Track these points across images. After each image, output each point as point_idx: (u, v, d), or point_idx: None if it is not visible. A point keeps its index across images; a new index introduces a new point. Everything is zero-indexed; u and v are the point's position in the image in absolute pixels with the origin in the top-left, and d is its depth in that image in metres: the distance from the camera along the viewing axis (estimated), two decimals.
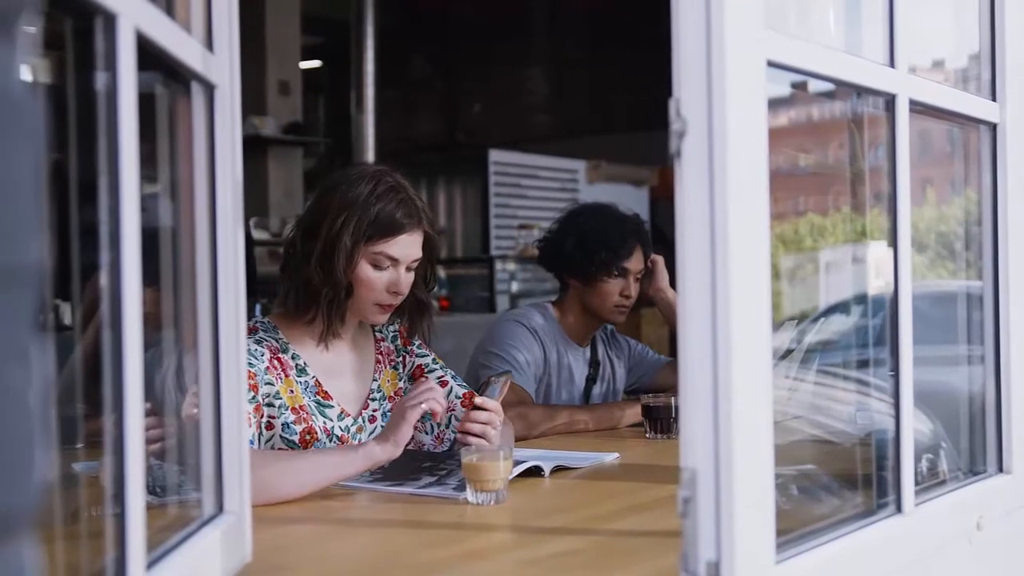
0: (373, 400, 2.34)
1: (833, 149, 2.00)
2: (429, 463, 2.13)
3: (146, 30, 1.07)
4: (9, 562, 0.59)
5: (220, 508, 1.38)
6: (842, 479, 1.69)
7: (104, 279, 1.02)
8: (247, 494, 1.42)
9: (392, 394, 2.37)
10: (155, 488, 1.34)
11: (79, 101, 1.05)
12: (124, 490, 1.01)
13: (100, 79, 1.02)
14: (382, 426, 2.29)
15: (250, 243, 4.69)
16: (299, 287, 2.21)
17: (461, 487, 1.90)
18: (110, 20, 0.99)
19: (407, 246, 2.21)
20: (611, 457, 2.35)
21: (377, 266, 2.20)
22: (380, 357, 2.38)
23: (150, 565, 1.09)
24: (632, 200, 6.77)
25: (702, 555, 1.17)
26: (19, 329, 0.59)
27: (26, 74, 0.62)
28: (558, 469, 2.17)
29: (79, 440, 1.30)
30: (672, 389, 2.89)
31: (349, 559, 1.60)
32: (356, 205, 2.17)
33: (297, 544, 1.67)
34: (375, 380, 2.35)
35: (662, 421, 2.64)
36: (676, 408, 2.64)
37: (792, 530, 1.32)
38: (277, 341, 2.22)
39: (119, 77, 1.01)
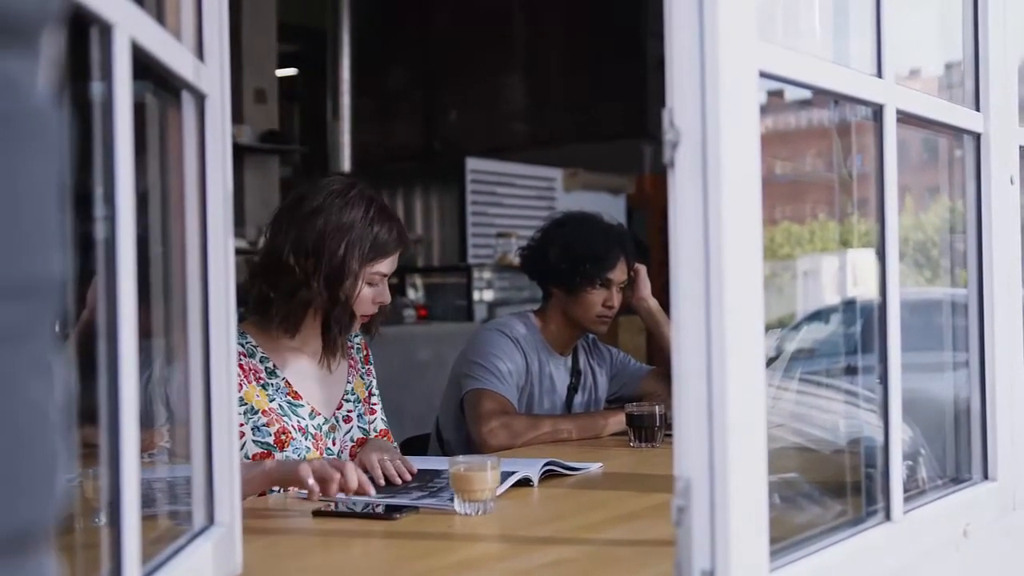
0: (348, 401, 2.40)
1: (810, 157, 2.01)
2: (418, 482, 2.12)
3: (141, 40, 1.06)
4: (34, 574, 0.59)
5: (211, 520, 1.37)
6: (829, 487, 1.70)
7: (99, 289, 1.01)
8: (238, 506, 1.41)
9: (363, 399, 2.45)
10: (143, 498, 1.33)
11: (72, 110, 1.04)
12: (120, 502, 1.00)
13: (95, 88, 1.01)
14: (358, 427, 2.39)
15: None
16: (296, 307, 2.25)
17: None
18: (106, 30, 0.99)
19: (395, 262, 2.34)
20: (596, 467, 2.35)
21: (371, 284, 2.29)
22: (352, 362, 2.45)
23: None
24: (609, 208, 6.76)
25: (696, 564, 1.17)
26: (40, 342, 0.59)
27: (48, 88, 0.62)
28: (548, 475, 2.18)
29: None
30: (655, 397, 2.89)
31: (339, 571, 1.59)
32: (355, 229, 2.24)
33: (287, 556, 1.66)
34: (349, 382, 2.42)
35: (646, 430, 2.65)
36: (660, 416, 2.64)
37: (784, 538, 1.33)
38: (243, 346, 2.25)
39: (115, 87, 1.00)
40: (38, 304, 0.59)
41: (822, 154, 1.92)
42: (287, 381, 2.28)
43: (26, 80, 0.59)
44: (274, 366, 2.28)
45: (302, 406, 2.29)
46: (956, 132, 1.83)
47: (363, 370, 2.48)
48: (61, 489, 0.62)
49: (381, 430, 2.45)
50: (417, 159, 9.73)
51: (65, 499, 0.63)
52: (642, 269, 3.12)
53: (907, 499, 1.56)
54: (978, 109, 1.82)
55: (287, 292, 2.24)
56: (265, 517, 1.86)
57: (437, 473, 2.18)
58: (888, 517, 1.52)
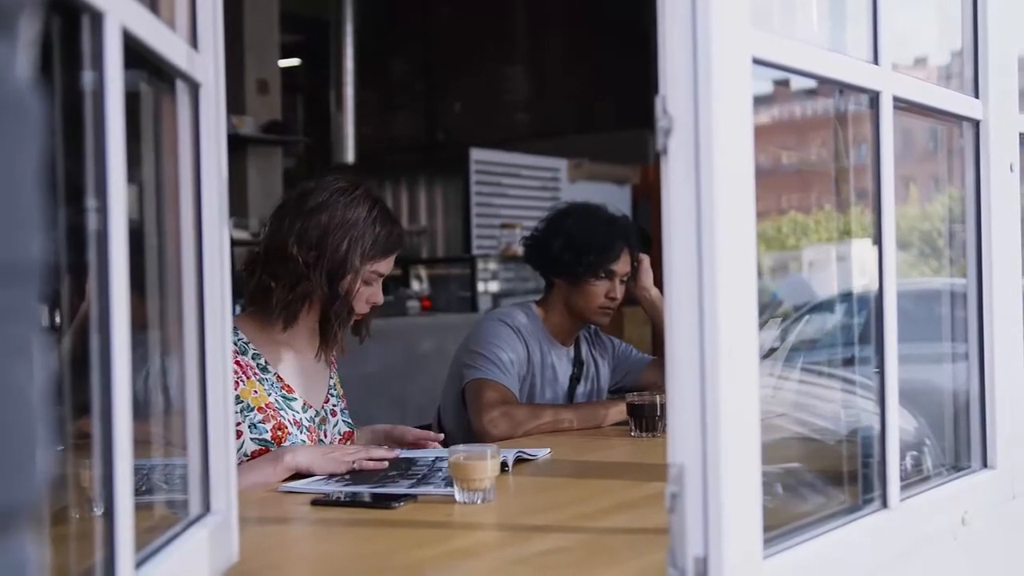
0: (332, 396, 2.45)
1: (815, 147, 2.01)
2: (394, 471, 2.12)
3: (132, 28, 1.06)
4: (12, 557, 0.59)
5: (207, 508, 1.37)
6: (828, 475, 1.70)
7: (91, 280, 1.01)
8: (234, 494, 1.41)
9: (341, 395, 2.49)
10: (139, 487, 1.34)
11: (64, 99, 1.05)
12: (112, 491, 1.01)
13: (86, 77, 1.01)
14: (343, 420, 2.44)
15: (229, 243, 4.71)
16: (296, 299, 2.27)
17: (450, 482, 1.90)
18: (97, 18, 0.99)
19: (392, 263, 2.37)
20: (545, 452, 2.38)
21: (367, 282, 2.32)
22: (332, 360, 2.48)
23: (138, 565, 1.08)
24: (614, 199, 6.77)
25: (690, 550, 1.17)
26: (22, 325, 0.59)
27: (27, 72, 0.62)
28: (519, 461, 2.23)
29: (61, 442, 1.29)
30: (657, 387, 2.89)
31: (337, 559, 1.59)
32: (358, 227, 2.28)
33: (284, 544, 1.66)
34: (331, 379, 2.47)
35: (647, 419, 2.65)
36: (661, 406, 2.64)
37: (780, 526, 1.33)
38: (235, 343, 2.25)
39: (106, 75, 1.00)
40: (19, 289, 0.60)
41: (828, 144, 1.92)
42: (278, 376, 2.31)
43: (4, 66, 0.59)
44: (266, 362, 2.31)
45: (295, 399, 2.32)
46: (955, 119, 1.83)
47: (336, 369, 2.53)
48: (42, 472, 0.62)
49: (345, 432, 2.46)
50: (421, 150, 9.73)
51: (46, 482, 0.63)
52: (645, 259, 3.11)
53: (905, 487, 1.56)
54: (977, 96, 1.82)
55: (289, 284, 2.26)
56: (262, 506, 1.87)
57: (413, 461, 2.21)
58: (885, 505, 1.52)
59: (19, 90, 0.60)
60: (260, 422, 2.22)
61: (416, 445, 2.42)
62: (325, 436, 2.36)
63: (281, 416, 2.26)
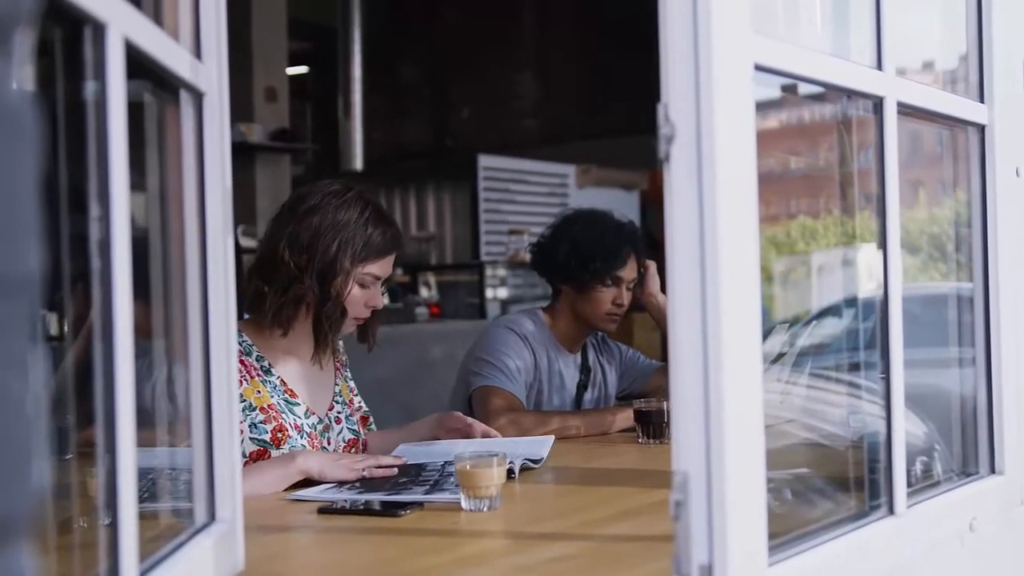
0: (337, 403, 2.44)
1: (824, 152, 2.00)
2: (405, 478, 2.12)
3: (135, 39, 1.06)
4: (7, 568, 0.59)
5: (212, 517, 1.37)
6: (835, 481, 1.69)
7: (94, 289, 1.02)
8: (239, 503, 1.41)
9: (348, 401, 2.48)
10: (143, 495, 1.34)
11: (67, 109, 1.05)
12: (116, 499, 1.01)
13: (89, 88, 1.02)
14: (347, 428, 2.43)
15: (238, 251, 4.72)
16: (289, 302, 2.27)
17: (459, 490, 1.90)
18: (99, 29, 0.99)
19: (389, 265, 2.36)
20: (548, 440, 2.42)
21: (362, 285, 2.32)
22: (338, 366, 2.49)
23: (143, 574, 1.09)
24: (622, 204, 6.77)
25: (695, 558, 1.17)
26: (17, 337, 0.60)
27: (23, 83, 0.62)
28: (525, 469, 2.22)
29: (69, 451, 1.30)
30: (664, 393, 2.89)
31: (343, 567, 1.59)
32: (349, 228, 2.27)
33: (290, 553, 1.66)
34: (336, 385, 2.46)
35: (654, 425, 2.64)
36: (668, 412, 2.64)
37: (785, 533, 1.32)
38: (240, 345, 2.26)
39: (108, 86, 1.01)
40: (14, 300, 0.60)
41: (836, 148, 1.92)
42: (282, 380, 2.32)
43: (0, 78, 0.59)
44: (269, 365, 2.31)
45: (298, 404, 2.32)
46: (960, 124, 1.83)
47: (346, 374, 2.53)
48: (37, 483, 0.62)
49: (350, 440, 2.46)
50: (429, 156, 9.71)
51: (43, 492, 0.63)
52: (652, 265, 3.11)
53: (912, 493, 1.56)
54: (982, 100, 1.81)
55: (281, 288, 2.27)
56: (268, 514, 1.87)
57: (422, 467, 2.21)
58: (891, 511, 1.51)
59: (15, 102, 0.60)
60: (261, 422, 2.23)
61: (467, 433, 2.45)
62: (329, 443, 2.36)
63: (282, 419, 2.26)
